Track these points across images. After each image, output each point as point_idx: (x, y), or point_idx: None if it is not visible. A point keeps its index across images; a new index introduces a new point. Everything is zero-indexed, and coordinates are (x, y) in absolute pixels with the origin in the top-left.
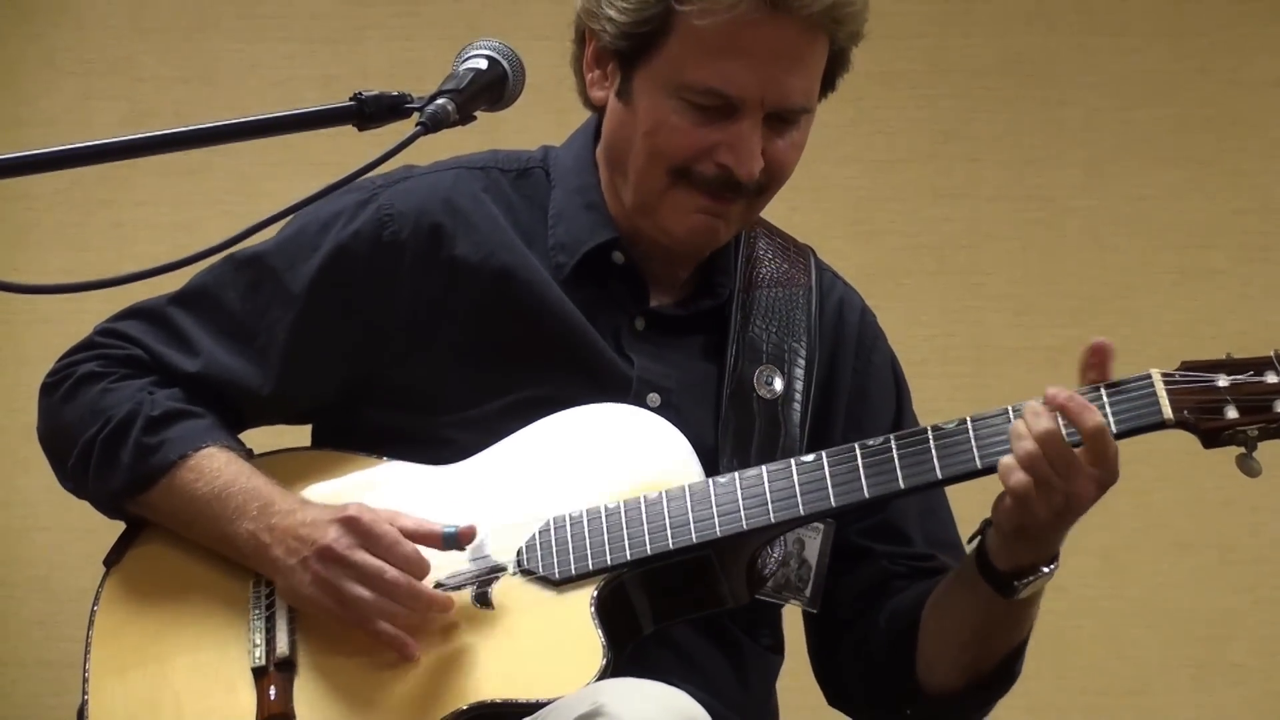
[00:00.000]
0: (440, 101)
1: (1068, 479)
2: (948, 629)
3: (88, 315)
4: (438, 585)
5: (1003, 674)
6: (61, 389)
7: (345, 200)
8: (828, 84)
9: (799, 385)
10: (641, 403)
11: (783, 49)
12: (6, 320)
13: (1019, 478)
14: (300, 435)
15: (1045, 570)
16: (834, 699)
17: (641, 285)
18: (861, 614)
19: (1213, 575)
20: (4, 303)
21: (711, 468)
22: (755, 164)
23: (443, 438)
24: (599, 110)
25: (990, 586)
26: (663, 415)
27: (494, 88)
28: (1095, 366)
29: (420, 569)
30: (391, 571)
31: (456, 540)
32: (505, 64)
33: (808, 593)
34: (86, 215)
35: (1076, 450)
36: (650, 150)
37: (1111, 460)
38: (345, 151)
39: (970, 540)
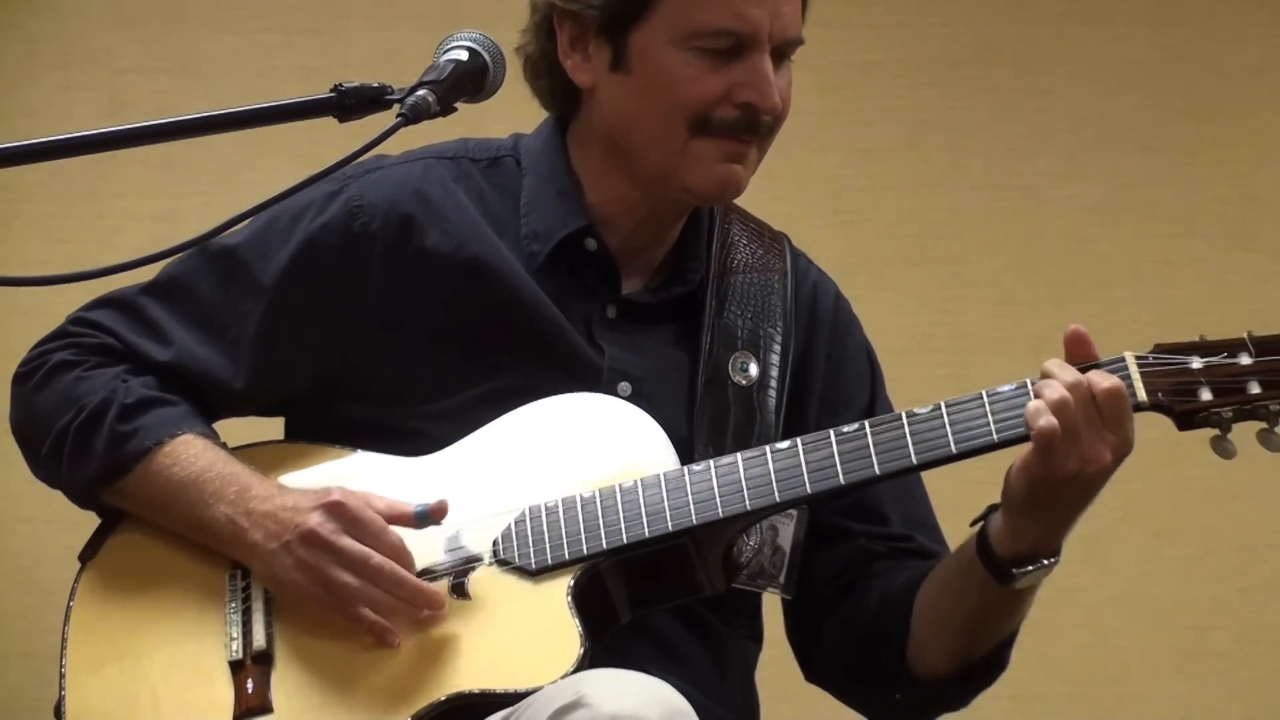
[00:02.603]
0: (421, 93)
1: (1090, 431)
2: (941, 614)
3: (68, 307)
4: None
5: (992, 663)
6: (34, 378)
7: (315, 192)
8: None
9: (774, 372)
10: (612, 392)
11: None
12: None
13: (1047, 421)
14: (274, 428)
15: (1045, 563)
16: (813, 676)
17: (614, 272)
18: (844, 593)
19: (1195, 564)
20: None
21: (686, 456)
22: (775, 95)
23: (416, 429)
24: (574, 101)
25: (989, 573)
26: (634, 404)
27: (474, 79)
28: (1078, 356)
29: (404, 557)
30: (377, 558)
31: (428, 517)
32: (485, 55)
33: (781, 579)
34: (67, 207)
35: None
36: (667, 107)
37: (1126, 426)
38: (326, 143)
39: (973, 524)
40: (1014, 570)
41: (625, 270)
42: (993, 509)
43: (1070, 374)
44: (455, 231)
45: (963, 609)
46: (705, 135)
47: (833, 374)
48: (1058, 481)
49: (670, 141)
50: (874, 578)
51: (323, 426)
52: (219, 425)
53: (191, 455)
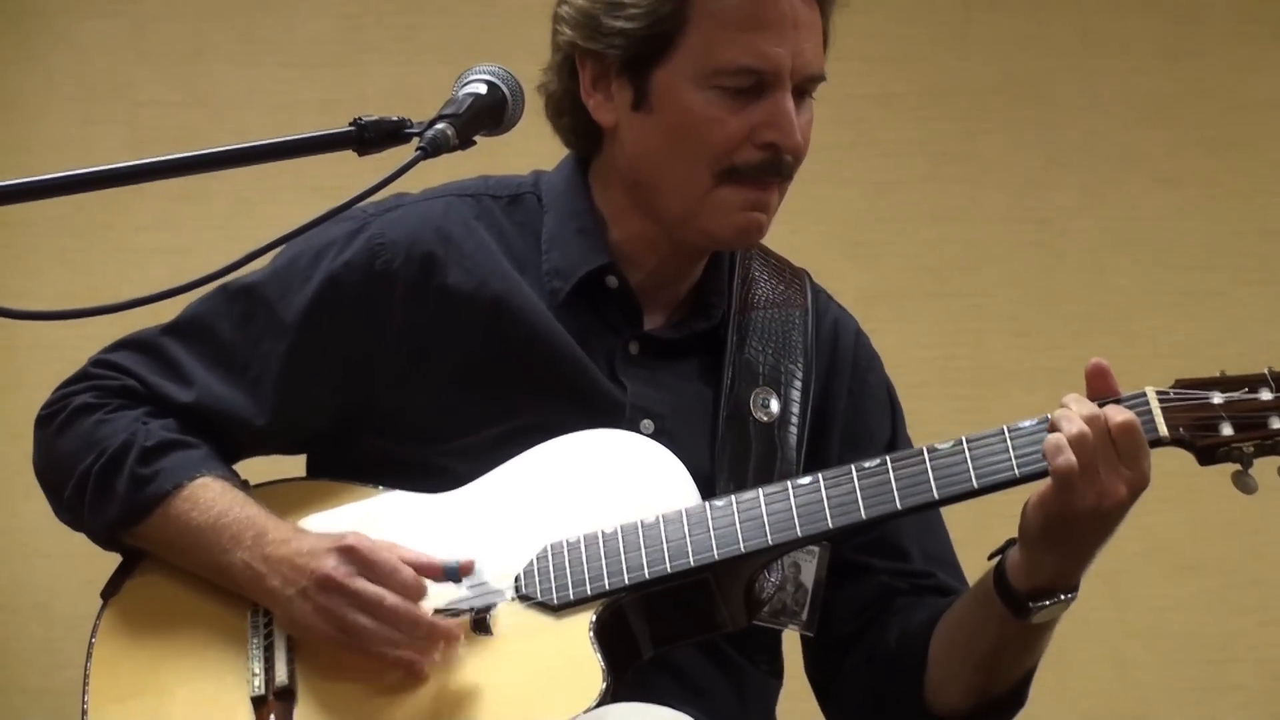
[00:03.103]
0: (440, 126)
1: (1107, 466)
2: (958, 649)
3: (89, 341)
4: (436, 611)
5: (1011, 699)
6: (56, 421)
7: (337, 230)
8: None
9: (795, 408)
10: (635, 428)
11: (800, 18)
12: (7, 346)
13: (1065, 459)
14: (296, 465)
15: (1062, 597)
16: (832, 712)
17: (636, 309)
18: (864, 630)
19: (1215, 598)
20: (4, 328)
21: (708, 492)
22: (798, 133)
23: (438, 466)
24: (596, 140)
25: (1006, 607)
26: (656, 441)
27: (493, 112)
28: (1099, 389)
29: (418, 594)
30: (391, 598)
31: (457, 574)
32: (504, 88)
33: (804, 616)
34: (87, 240)
35: None
36: (690, 150)
37: (1143, 461)
38: (345, 176)
39: (991, 558)
40: (1031, 604)
41: (647, 306)
42: (1011, 543)
43: (1087, 408)
44: (477, 269)
45: (980, 644)
46: (729, 183)
47: (854, 410)
48: (1075, 516)
49: (693, 187)
50: (894, 614)
51: (344, 463)
52: (242, 463)
53: (209, 499)
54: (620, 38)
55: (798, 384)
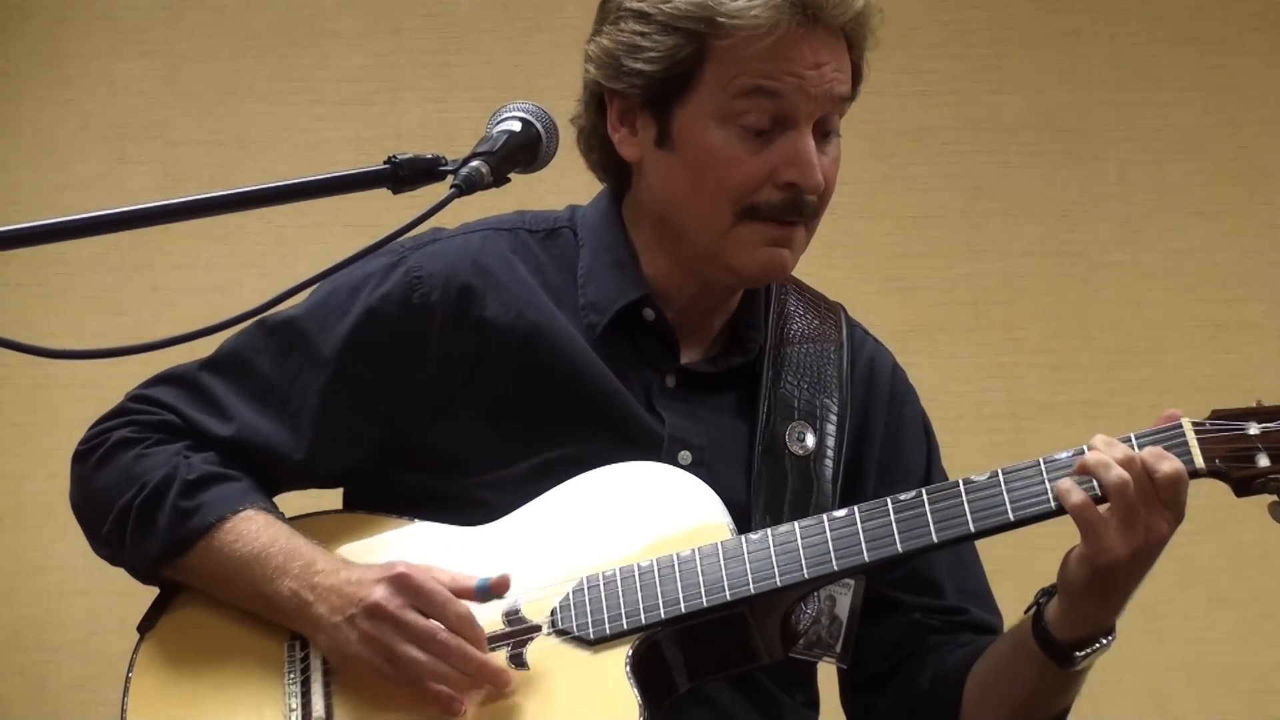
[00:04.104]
0: (474, 164)
1: (1149, 508)
2: (995, 696)
3: (124, 379)
4: None
5: None
6: (94, 456)
7: (374, 264)
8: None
9: (831, 442)
10: (673, 460)
11: (823, 56)
12: (43, 385)
13: (1102, 507)
14: (333, 498)
15: (1104, 642)
16: None
17: (672, 342)
18: (898, 668)
19: (1253, 630)
20: (41, 367)
21: (744, 525)
22: (818, 173)
23: (474, 498)
24: (626, 175)
25: (1048, 657)
26: (694, 473)
27: (528, 149)
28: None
29: (471, 630)
30: (444, 633)
31: (490, 591)
32: (539, 125)
33: (838, 649)
34: (122, 280)
35: None
36: (712, 190)
37: (1182, 503)
38: (380, 213)
39: (1026, 612)
40: (1075, 654)
41: (684, 339)
42: (1044, 593)
43: (1119, 451)
44: (514, 302)
45: (1018, 690)
46: (751, 220)
47: (890, 444)
48: (1119, 556)
49: (715, 225)
50: (927, 654)
51: (381, 496)
52: (277, 498)
53: (254, 531)
54: (640, 78)
55: (833, 418)
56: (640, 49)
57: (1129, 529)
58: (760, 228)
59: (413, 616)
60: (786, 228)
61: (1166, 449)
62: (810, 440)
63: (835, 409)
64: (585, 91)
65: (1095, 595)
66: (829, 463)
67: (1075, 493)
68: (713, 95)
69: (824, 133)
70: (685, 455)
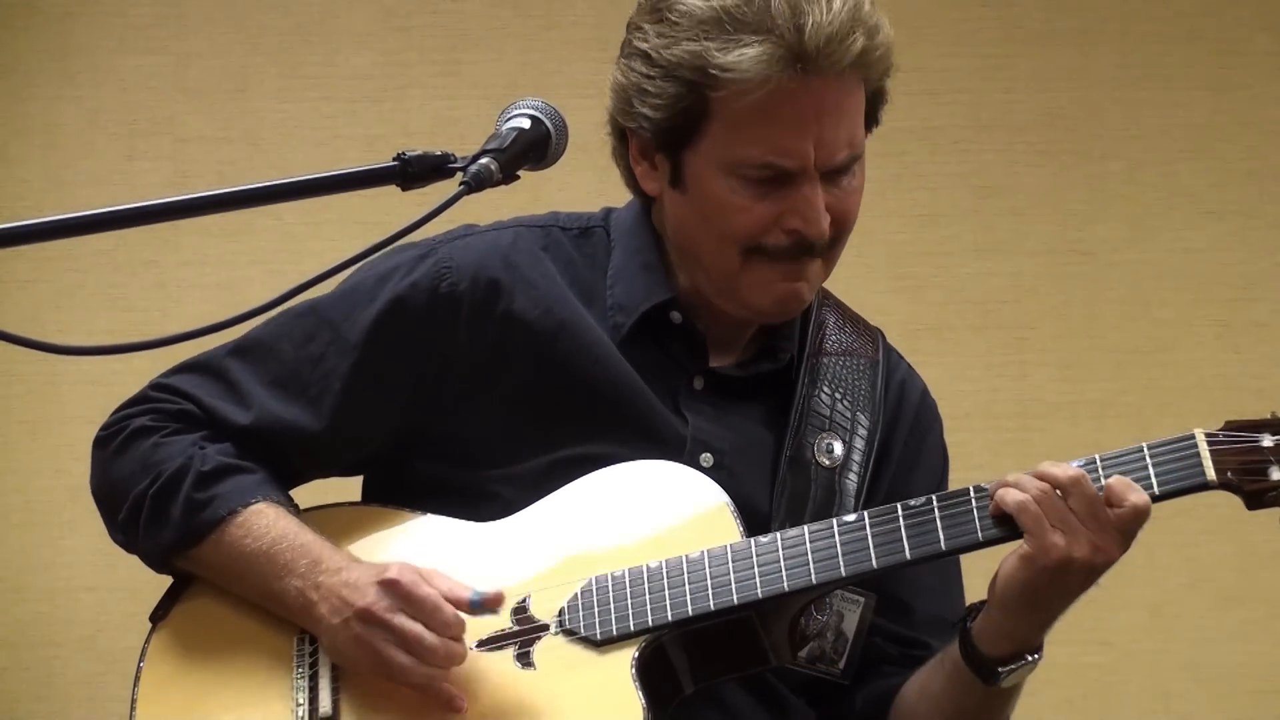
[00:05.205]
0: (484, 161)
1: (1101, 528)
2: (922, 713)
3: (133, 376)
4: (480, 644)
5: None
6: (113, 443)
7: (404, 255)
8: (870, 120)
9: (858, 455)
10: (694, 462)
11: (824, 107)
12: (52, 381)
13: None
14: (350, 486)
15: (1029, 659)
16: None
17: (700, 345)
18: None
19: (1261, 629)
20: (49, 364)
21: (764, 532)
22: (823, 222)
23: (489, 492)
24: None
25: (973, 672)
26: (715, 476)
27: (537, 147)
28: None
29: (458, 632)
30: (430, 638)
31: (482, 607)
32: (548, 123)
33: (841, 665)
34: (131, 276)
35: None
36: (719, 234)
37: (1135, 534)
38: (389, 210)
39: (955, 625)
40: (1000, 669)
41: (714, 345)
42: (973, 609)
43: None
44: (542, 298)
45: (945, 709)
46: (760, 259)
47: (906, 468)
48: (1063, 563)
49: (727, 265)
50: (874, 679)
51: (399, 486)
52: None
53: (264, 525)
54: (649, 122)
55: (863, 432)
56: (646, 93)
57: (1071, 536)
58: (770, 266)
59: (400, 620)
60: (797, 265)
61: (1178, 460)
62: (839, 451)
63: (866, 424)
64: (608, 116)
65: (1026, 604)
66: (854, 476)
67: (1014, 493)
68: (717, 149)
69: (836, 170)
70: (707, 458)
